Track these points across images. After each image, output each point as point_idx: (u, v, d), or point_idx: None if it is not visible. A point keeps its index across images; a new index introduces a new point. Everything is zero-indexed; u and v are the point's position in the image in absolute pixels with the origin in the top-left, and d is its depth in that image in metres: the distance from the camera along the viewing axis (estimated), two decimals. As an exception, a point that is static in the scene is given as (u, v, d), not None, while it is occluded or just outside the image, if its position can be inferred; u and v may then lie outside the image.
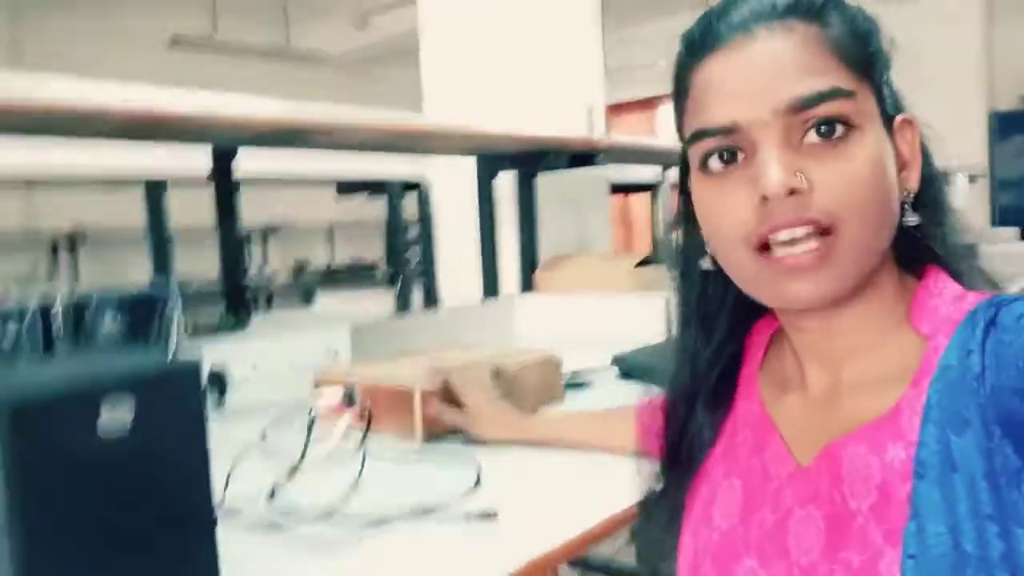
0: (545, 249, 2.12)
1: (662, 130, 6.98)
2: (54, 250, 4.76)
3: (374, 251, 6.49)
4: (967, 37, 5.66)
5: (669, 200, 2.93)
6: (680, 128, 0.57)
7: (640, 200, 6.10)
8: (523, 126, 1.65)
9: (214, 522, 0.60)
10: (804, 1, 0.52)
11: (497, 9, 2.14)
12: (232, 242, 1.44)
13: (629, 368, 1.33)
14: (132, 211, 2.31)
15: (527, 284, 2.03)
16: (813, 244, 0.50)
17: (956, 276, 0.55)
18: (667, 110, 8.15)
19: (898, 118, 0.55)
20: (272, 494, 0.84)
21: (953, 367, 0.49)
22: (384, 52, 6.53)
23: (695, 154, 0.54)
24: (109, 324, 1.00)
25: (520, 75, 2.12)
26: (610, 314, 1.73)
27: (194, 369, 0.58)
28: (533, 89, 2.09)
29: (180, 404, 0.58)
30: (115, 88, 1.31)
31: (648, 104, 7.77)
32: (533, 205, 2.01)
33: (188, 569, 0.58)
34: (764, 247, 0.51)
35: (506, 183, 2.07)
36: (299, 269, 5.83)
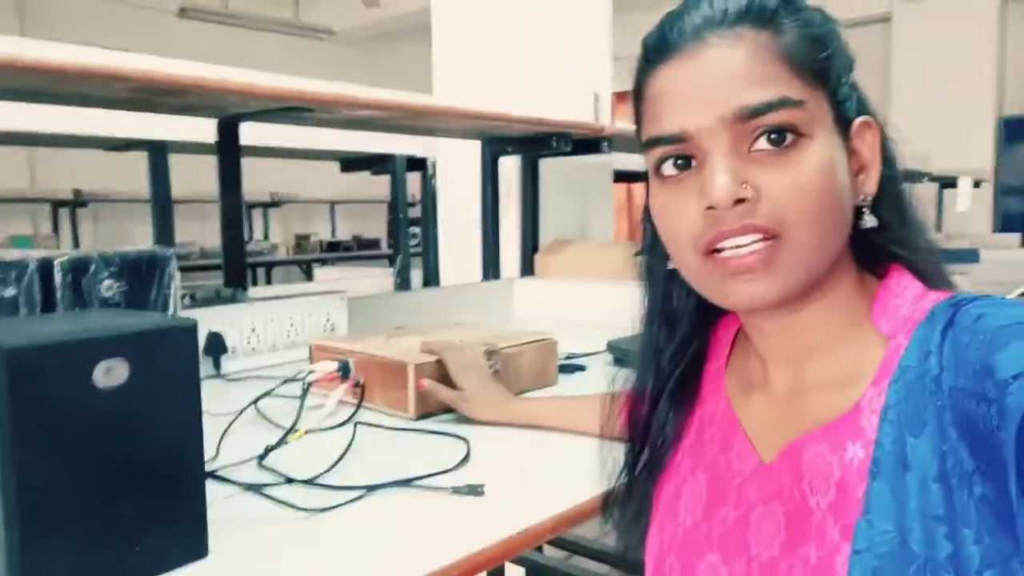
0: (547, 234, 2.12)
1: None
2: (55, 213, 4.77)
3: (376, 229, 6.50)
4: (980, 41, 5.63)
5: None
6: (638, 133, 0.57)
7: (642, 189, 6.09)
8: (529, 109, 1.64)
9: (202, 476, 0.61)
10: (756, 7, 0.52)
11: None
12: (234, 212, 1.44)
13: (623, 354, 1.34)
14: (135, 176, 2.31)
15: (527, 268, 2.03)
16: (759, 247, 0.51)
17: (919, 275, 0.56)
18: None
19: (856, 121, 0.55)
20: (263, 457, 0.85)
21: (912, 368, 0.49)
22: (394, 30, 6.51)
23: (650, 160, 0.55)
24: (108, 286, 1.00)
25: (529, 59, 2.11)
26: (608, 300, 1.73)
27: (189, 328, 0.59)
28: (541, 73, 2.09)
29: (174, 361, 0.58)
30: (122, 57, 1.32)
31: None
32: (537, 189, 2.01)
33: (175, 518, 0.59)
34: (712, 251, 0.52)
35: (510, 166, 2.07)
36: (300, 243, 5.83)
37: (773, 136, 0.50)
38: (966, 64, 5.62)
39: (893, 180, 0.57)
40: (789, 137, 0.50)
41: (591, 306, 1.77)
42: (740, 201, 0.50)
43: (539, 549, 2.05)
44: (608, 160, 2.33)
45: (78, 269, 0.97)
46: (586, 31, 2.23)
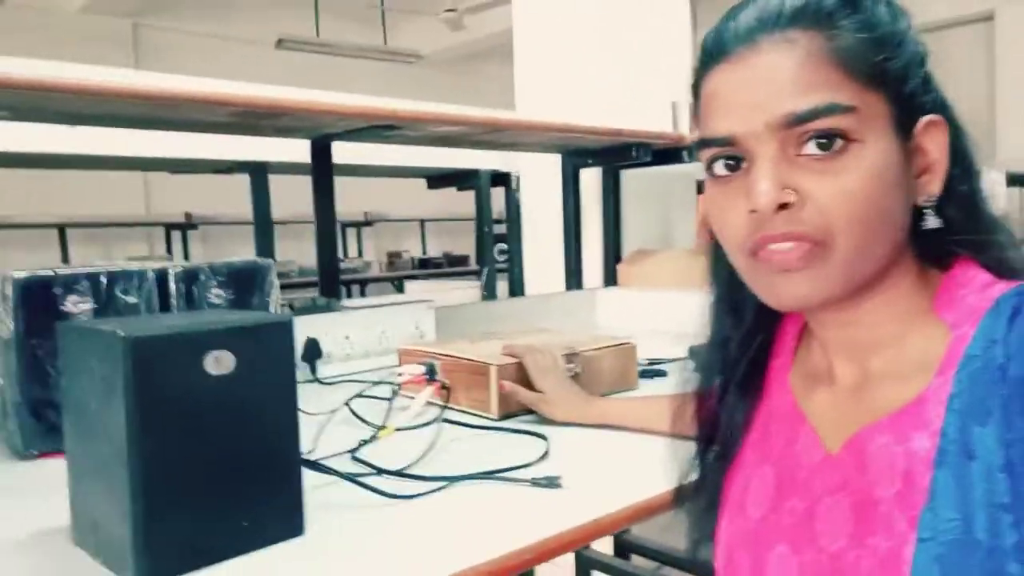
0: (629, 245, 2.14)
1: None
2: (168, 237, 5.10)
3: (465, 245, 6.62)
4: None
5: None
6: (695, 130, 0.59)
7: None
8: (608, 120, 1.67)
9: (299, 459, 0.67)
10: (811, 8, 0.51)
11: (588, 7, 2.17)
12: (328, 225, 1.53)
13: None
14: (239, 199, 2.46)
15: (610, 278, 2.05)
16: (805, 246, 0.51)
17: (987, 267, 0.55)
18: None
19: (921, 122, 0.53)
20: (355, 451, 0.90)
21: (978, 357, 0.49)
22: (477, 51, 6.66)
23: (702, 159, 0.56)
24: (216, 293, 1.09)
25: (608, 72, 2.14)
26: (691, 309, 1.73)
27: (286, 323, 0.65)
28: (620, 85, 2.11)
29: (274, 352, 0.64)
30: (223, 84, 1.42)
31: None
32: (618, 200, 2.03)
33: (276, 497, 0.65)
34: (758, 251, 0.53)
35: (591, 179, 2.10)
36: (392, 260, 6.01)
37: (821, 141, 0.50)
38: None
39: (963, 178, 0.55)
40: (838, 142, 0.50)
41: (674, 315, 1.77)
42: (784, 206, 0.51)
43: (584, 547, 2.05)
44: (689, 169, 2.32)
45: (190, 278, 1.06)
46: (664, 40, 2.24)
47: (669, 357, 1.43)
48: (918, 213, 0.55)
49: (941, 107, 0.55)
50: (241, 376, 0.62)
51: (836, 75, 0.51)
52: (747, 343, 0.65)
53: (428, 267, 6.15)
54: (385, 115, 1.26)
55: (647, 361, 1.36)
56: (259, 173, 1.94)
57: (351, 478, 0.77)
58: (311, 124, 1.31)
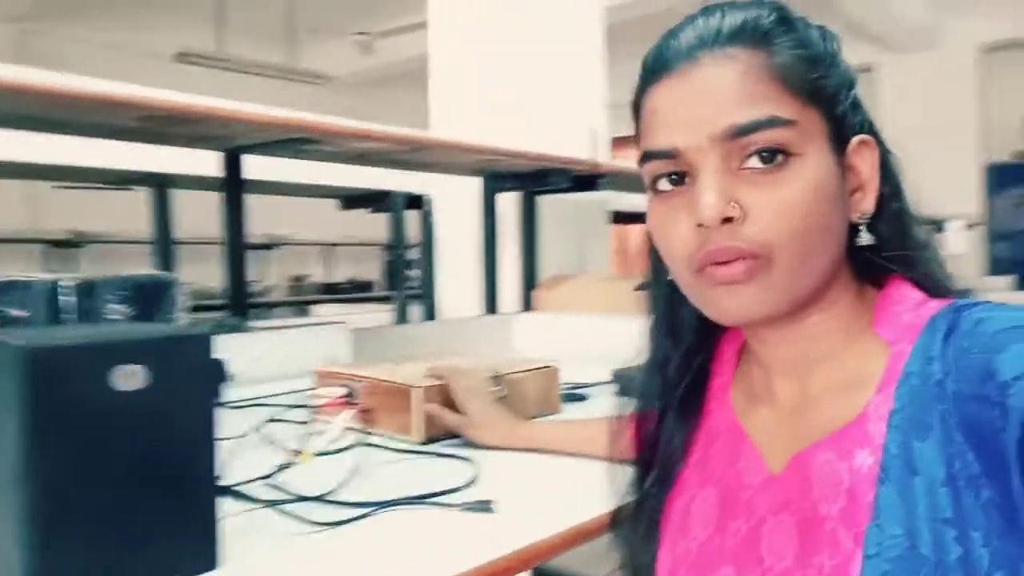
0: (544, 271, 2.14)
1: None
2: (52, 255, 4.77)
3: (372, 271, 6.51)
4: (962, 90, 5.76)
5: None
6: (637, 148, 0.59)
7: (639, 231, 6.16)
8: (528, 145, 1.67)
9: (215, 485, 0.61)
10: (749, 28, 0.53)
11: (505, 35, 2.19)
12: (239, 243, 1.45)
13: (629, 382, 1.34)
14: (134, 217, 2.32)
15: (526, 303, 2.04)
16: (749, 261, 0.51)
17: (919, 285, 0.56)
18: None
19: (853, 140, 0.55)
20: (270, 477, 0.84)
21: (915, 373, 0.50)
22: (388, 76, 6.62)
23: (646, 175, 0.56)
24: (114, 309, 1.00)
25: (526, 100, 2.15)
26: (610, 334, 1.74)
27: (205, 337, 0.59)
28: (538, 114, 2.13)
29: (191, 369, 0.59)
30: (124, 88, 1.34)
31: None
32: (535, 225, 2.03)
33: (187, 526, 0.59)
34: (701, 268, 0.53)
35: (508, 203, 2.09)
36: (295, 285, 5.84)
37: (763, 155, 0.51)
38: (950, 113, 5.75)
39: (893, 197, 0.57)
40: (779, 156, 0.51)
41: (591, 340, 1.77)
42: (728, 220, 0.51)
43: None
44: (604, 198, 2.36)
45: (85, 292, 0.97)
46: (581, 71, 2.28)
47: (589, 381, 1.42)
48: (852, 230, 0.56)
49: (870, 129, 0.57)
50: (153, 393, 0.57)
51: (776, 90, 0.52)
52: (687, 363, 0.64)
53: (333, 292, 6.01)
54: (304, 127, 1.22)
55: (567, 386, 1.35)
56: (162, 187, 1.83)
57: (272, 505, 0.71)
58: (225, 133, 1.25)
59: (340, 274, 6.65)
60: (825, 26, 0.56)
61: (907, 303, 0.55)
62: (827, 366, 0.56)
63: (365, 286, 6.33)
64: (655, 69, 0.55)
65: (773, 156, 0.51)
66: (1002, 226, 5.79)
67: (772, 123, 0.51)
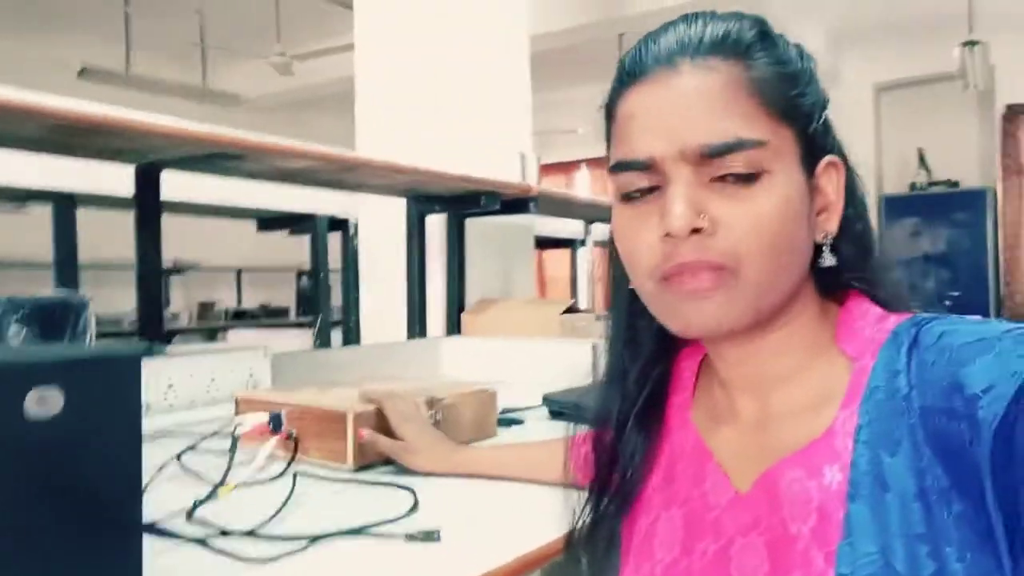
0: (470, 294, 2.12)
1: (580, 192, 7.16)
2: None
3: (285, 297, 6.33)
4: (857, 126, 6.10)
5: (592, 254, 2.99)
6: (608, 153, 0.58)
7: (556, 256, 6.22)
8: (457, 167, 1.66)
9: (140, 523, 0.56)
10: (731, 39, 0.52)
11: (432, 59, 2.17)
12: (153, 264, 1.37)
13: (560, 407, 1.33)
14: (31, 238, 2.17)
15: (453, 327, 2.01)
16: (715, 273, 0.51)
17: (877, 300, 0.57)
18: (584, 175, 8.34)
19: (822, 161, 0.55)
20: (192, 512, 0.78)
21: (881, 388, 0.50)
22: (306, 98, 6.51)
23: (616, 182, 0.55)
24: (16, 332, 0.92)
25: (453, 124, 2.14)
26: (538, 358, 1.73)
27: (135, 356, 0.54)
28: (467, 138, 2.11)
29: (115, 393, 0.53)
30: (32, 96, 1.25)
31: (567, 168, 7.99)
32: (463, 248, 2.00)
33: (110, 571, 0.53)
34: (667, 278, 0.52)
35: (434, 226, 2.06)
36: (204, 311, 5.61)
37: (734, 171, 0.51)
38: (849, 147, 6.07)
39: (857, 219, 0.58)
40: (750, 172, 0.51)
41: (520, 363, 1.76)
42: (697, 231, 0.51)
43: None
44: (530, 222, 2.37)
45: (-17, 313, 0.89)
46: (508, 96, 2.29)
47: (520, 405, 1.40)
48: (816, 250, 0.56)
49: (838, 151, 0.57)
50: (71, 421, 0.51)
51: (751, 106, 0.51)
52: (645, 375, 0.63)
53: (244, 318, 5.80)
54: (227, 142, 1.16)
55: (501, 411, 1.32)
56: (65, 205, 1.72)
57: (197, 542, 0.66)
58: (141, 147, 1.18)
59: (251, 300, 6.44)
60: (801, 45, 0.57)
61: (868, 318, 0.55)
62: (790, 383, 0.56)
63: (279, 312, 6.14)
64: (632, 72, 0.54)
65: (742, 173, 0.51)
66: (895, 255, 6.12)
67: (742, 145, 0.50)
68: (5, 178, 1.55)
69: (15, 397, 0.48)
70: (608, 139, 0.57)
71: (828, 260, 0.56)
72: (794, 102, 0.53)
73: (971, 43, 4.51)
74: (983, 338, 0.47)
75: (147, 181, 1.34)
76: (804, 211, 0.53)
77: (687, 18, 0.54)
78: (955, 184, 5.76)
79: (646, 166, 0.52)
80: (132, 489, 0.55)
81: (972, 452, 0.44)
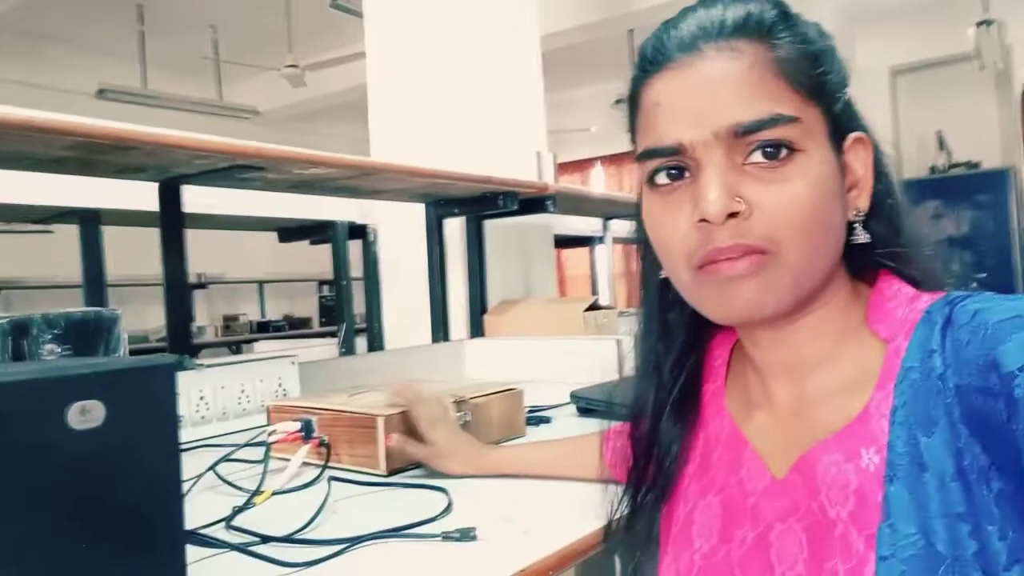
0: (491, 296, 2.12)
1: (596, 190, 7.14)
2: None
3: (307, 308, 6.37)
4: (875, 109, 6.03)
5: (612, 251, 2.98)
6: (633, 142, 0.57)
7: (576, 255, 6.20)
8: (474, 169, 1.66)
9: (183, 531, 0.56)
10: (753, 21, 0.52)
11: (443, 63, 2.18)
12: (179, 278, 1.38)
13: (588, 403, 1.33)
14: (57, 259, 2.20)
15: (476, 329, 2.01)
16: (754, 257, 0.51)
17: (909, 279, 0.56)
18: (599, 172, 8.32)
19: (850, 137, 0.55)
20: (231, 519, 0.79)
21: (916, 368, 0.49)
22: (319, 109, 6.55)
23: (644, 171, 0.55)
24: (51, 349, 0.94)
25: (468, 127, 2.14)
26: (563, 356, 1.73)
27: (171, 366, 0.55)
28: (482, 140, 2.12)
29: (154, 403, 0.54)
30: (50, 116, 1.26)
31: (582, 166, 7.98)
32: (482, 250, 2.01)
33: (156, 574, 0.54)
34: (704, 266, 0.52)
35: (453, 229, 2.07)
36: (229, 324, 5.66)
37: (768, 150, 0.50)
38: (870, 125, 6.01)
39: (886, 195, 0.57)
40: (783, 152, 0.50)
41: (544, 363, 1.76)
42: (733, 215, 0.50)
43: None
44: (548, 221, 2.36)
45: (19, 331, 0.91)
46: (521, 96, 2.29)
47: (547, 404, 1.40)
48: (848, 228, 0.55)
49: (863, 128, 0.57)
50: (112, 431, 0.52)
51: (779, 86, 0.51)
52: (679, 364, 0.63)
53: (268, 331, 5.85)
54: (249, 153, 1.17)
55: (528, 409, 1.32)
56: (90, 223, 1.74)
57: (241, 549, 0.66)
58: (162, 162, 1.19)
59: (274, 312, 6.49)
60: (820, 24, 0.56)
61: (900, 298, 0.54)
62: (824, 366, 0.55)
63: (302, 323, 6.18)
64: (655, 60, 0.54)
65: (777, 151, 0.50)
66: (927, 232, 6.04)
67: (776, 121, 0.50)
68: (31, 198, 1.57)
69: (58, 410, 0.49)
70: (632, 130, 0.57)
71: (862, 237, 0.55)
72: (820, 80, 0.53)
73: (986, 22, 4.45)
74: (1019, 315, 0.46)
75: (169, 196, 1.36)
76: (837, 189, 0.53)
77: (706, 2, 0.54)
78: (976, 165, 5.68)
79: (675, 152, 0.52)
80: (173, 497, 0.56)
81: (1010, 429, 0.44)
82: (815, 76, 0.52)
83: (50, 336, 0.93)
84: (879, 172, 0.57)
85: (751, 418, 0.59)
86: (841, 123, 0.54)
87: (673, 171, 0.53)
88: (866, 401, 0.51)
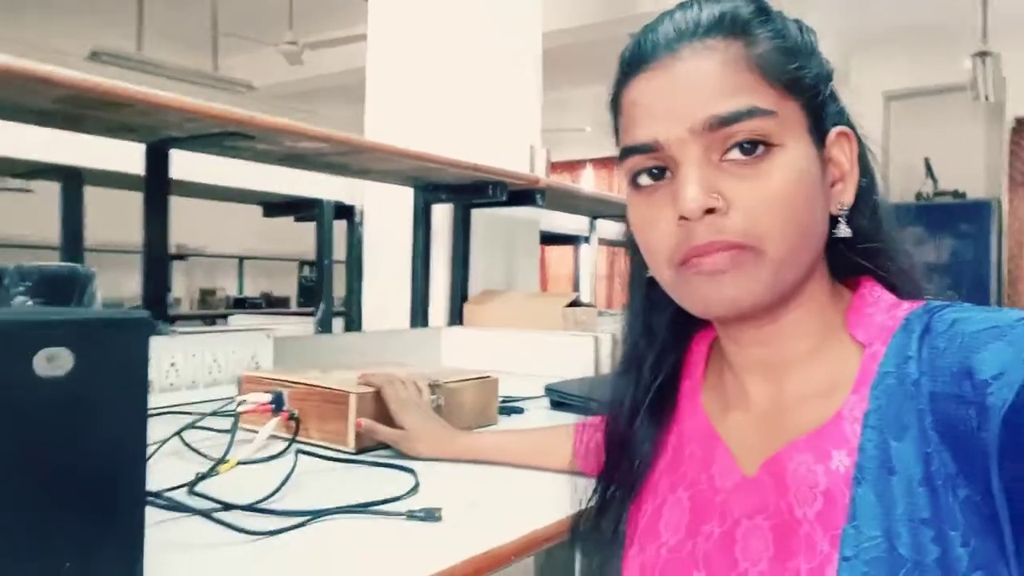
0: (473, 285, 2.11)
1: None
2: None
3: (286, 287, 6.33)
4: (871, 135, 6.07)
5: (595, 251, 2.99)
6: (617, 145, 0.58)
7: (560, 254, 6.21)
8: (466, 156, 1.65)
9: (143, 491, 0.56)
10: (728, 19, 0.53)
11: (444, 52, 2.17)
12: (161, 246, 1.37)
13: (561, 397, 1.33)
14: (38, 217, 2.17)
15: (456, 318, 2.01)
16: (734, 252, 0.51)
17: (890, 286, 0.57)
18: (589, 174, 8.34)
19: (833, 131, 0.55)
20: (194, 485, 0.78)
21: (891, 373, 0.50)
22: (314, 88, 6.51)
23: (626, 171, 0.55)
24: (22, 302, 0.92)
25: (464, 116, 2.13)
26: (540, 350, 1.73)
27: (144, 322, 0.54)
28: (476, 130, 2.11)
29: (124, 357, 0.53)
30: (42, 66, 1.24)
31: (572, 166, 7.99)
32: (468, 238, 2.00)
33: (111, 535, 0.53)
34: (685, 262, 0.52)
35: (440, 216, 2.06)
36: (205, 298, 5.61)
37: (745, 146, 0.51)
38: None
39: (870, 190, 0.58)
40: (760, 148, 0.51)
41: (521, 355, 1.76)
42: (711, 211, 0.50)
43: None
44: (536, 216, 2.36)
45: (-10, 281, 0.89)
46: (519, 90, 2.28)
47: (522, 396, 1.40)
48: (831, 223, 0.56)
49: (847, 122, 0.57)
50: (78, 381, 0.51)
51: (755, 80, 0.51)
52: (660, 363, 0.63)
53: (244, 307, 5.80)
54: (240, 120, 1.16)
55: (501, 399, 1.32)
56: (73, 181, 1.71)
57: (202, 513, 0.66)
58: (152, 123, 1.18)
59: (252, 289, 6.44)
60: (800, 20, 0.57)
61: (880, 304, 0.55)
62: (801, 368, 0.56)
63: (280, 302, 6.14)
64: (633, 63, 0.55)
65: (755, 147, 0.51)
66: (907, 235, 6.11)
67: (752, 113, 0.50)
68: (13, 151, 1.55)
69: (25, 355, 0.48)
70: (616, 133, 0.58)
71: (844, 231, 0.56)
72: (797, 75, 0.53)
73: (983, 54, 4.50)
74: (996, 325, 0.47)
75: (157, 160, 1.34)
76: (818, 183, 0.53)
77: (684, 5, 0.55)
78: (961, 195, 5.75)
79: (650, 149, 0.53)
80: (136, 455, 0.55)
81: (980, 438, 0.44)
82: (792, 71, 0.53)
83: (22, 288, 0.92)
84: (863, 167, 0.57)
85: (726, 416, 0.60)
86: (823, 117, 0.55)
87: (654, 171, 0.54)
88: (840, 404, 0.52)
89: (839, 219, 0.56)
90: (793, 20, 0.56)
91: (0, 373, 0.47)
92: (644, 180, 0.54)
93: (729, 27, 0.52)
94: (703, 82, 0.51)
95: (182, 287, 6.00)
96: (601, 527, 0.64)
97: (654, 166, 0.53)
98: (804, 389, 0.55)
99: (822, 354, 0.55)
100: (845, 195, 0.56)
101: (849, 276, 0.58)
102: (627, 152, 0.54)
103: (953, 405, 0.46)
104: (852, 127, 0.57)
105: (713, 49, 0.52)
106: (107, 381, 0.53)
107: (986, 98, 4.54)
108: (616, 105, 0.57)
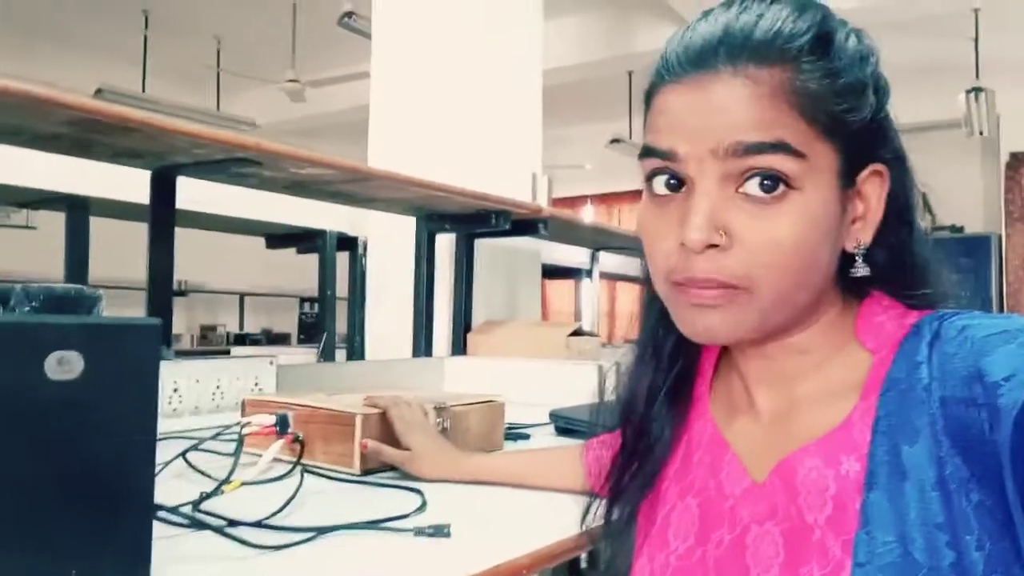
0: (476, 316, 2.11)
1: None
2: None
3: (287, 323, 6.32)
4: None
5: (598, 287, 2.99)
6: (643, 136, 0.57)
7: (561, 290, 6.20)
8: (470, 185, 1.67)
9: (151, 498, 0.55)
10: (780, 44, 0.49)
11: (447, 88, 2.20)
12: (166, 272, 1.37)
13: (567, 423, 1.32)
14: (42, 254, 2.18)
15: (459, 348, 2.00)
16: (727, 291, 0.50)
17: (899, 299, 0.55)
18: (589, 211, 8.35)
19: (864, 172, 0.53)
20: (198, 503, 0.77)
21: (902, 379, 0.49)
22: (317, 127, 6.57)
23: (643, 168, 0.54)
24: (28, 322, 0.92)
25: (466, 150, 2.15)
26: (543, 378, 1.72)
27: (154, 327, 0.54)
28: (479, 164, 2.13)
29: (134, 362, 0.53)
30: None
31: (573, 202, 8.04)
32: (471, 268, 2.01)
33: (118, 542, 0.52)
34: (679, 284, 0.52)
35: (442, 246, 2.07)
36: (206, 334, 5.60)
37: (765, 182, 0.49)
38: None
39: (895, 227, 0.55)
40: (780, 187, 0.49)
41: (525, 384, 1.75)
42: (712, 245, 0.50)
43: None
44: (538, 246, 2.37)
45: (-2, 301, 0.89)
46: (520, 125, 2.31)
47: (527, 423, 1.39)
48: (848, 257, 0.54)
49: (893, 152, 0.55)
50: (89, 385, 0.51)
51: (792, 118, 0.49)
52: (677, 351, 0.63)
53: (245, 343, 5.78)
54: (248, 147, 1.17)
55: (506, 426, 1.31)
56: (78, 210, 1.73)
57: (209, 528, 0.65)
58: (160, 148, 1.19)
59: (253, 326, 6.43)
60: (864, 39, 0.53)
61: (890, 313, 0.55)
62: (811, 377, 0.55)
63: (281, 338, 6.13)
64: (672, 68, 0.52)
65: (774, 185, 0.49)
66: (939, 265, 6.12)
67: (778, 148, 0.48)
68: (18, 180, 1.56)
69: (36, 358, 0.48)
70: (644, 127, 0.57)
71: (860, 271, 0.54)
72: (841, 117, 0.50)
73: (976, 90, 4.56)
74: (1006, 330, 0.46)
75: (163, 187, 1.35)
76: (832, 228, 0.52)
77: (743, 5, 0.51)
78: (960, 229, 5.78)
79: (669, 156, 0.52)
80: (145, 459, 0.55)
81: (991, 440, 0.44)
82: (837, 112, 0.50)
83: (28, 308, 0.91)
84: (898, 204, 0.55)
85: (734, 422, 0.59)
86: (862, 156, 0.52)
87: (672, 181, 0.53)
88: (849, 410, 0.51)
89: (856, 258, 0.54)
90: (857, 48, 0.52)
91: (11, 375, 0.47)
92: (660, 188, 0.53)
93: (778, 55, 0.49)
94: (736, 108, 0.49)
95: (183, 323, 5.98)
96: (611, 521, 0.63)
97: (670, 176, 0.53)
98: (812, 396, 0.55)
99: (831, 363, 0.55)
100: (863, 234, 0.54)
101: (859, 285, 0.57)
102: (645, 151, 0.54)
103: (964, 409, 0.46)
104: (899, 157, 0.55)
105: (753, 78, 0.49)
106: (117, 386, 0.52)
107: (980, 133, 4.59)
108: (647, 101, 0.55)
